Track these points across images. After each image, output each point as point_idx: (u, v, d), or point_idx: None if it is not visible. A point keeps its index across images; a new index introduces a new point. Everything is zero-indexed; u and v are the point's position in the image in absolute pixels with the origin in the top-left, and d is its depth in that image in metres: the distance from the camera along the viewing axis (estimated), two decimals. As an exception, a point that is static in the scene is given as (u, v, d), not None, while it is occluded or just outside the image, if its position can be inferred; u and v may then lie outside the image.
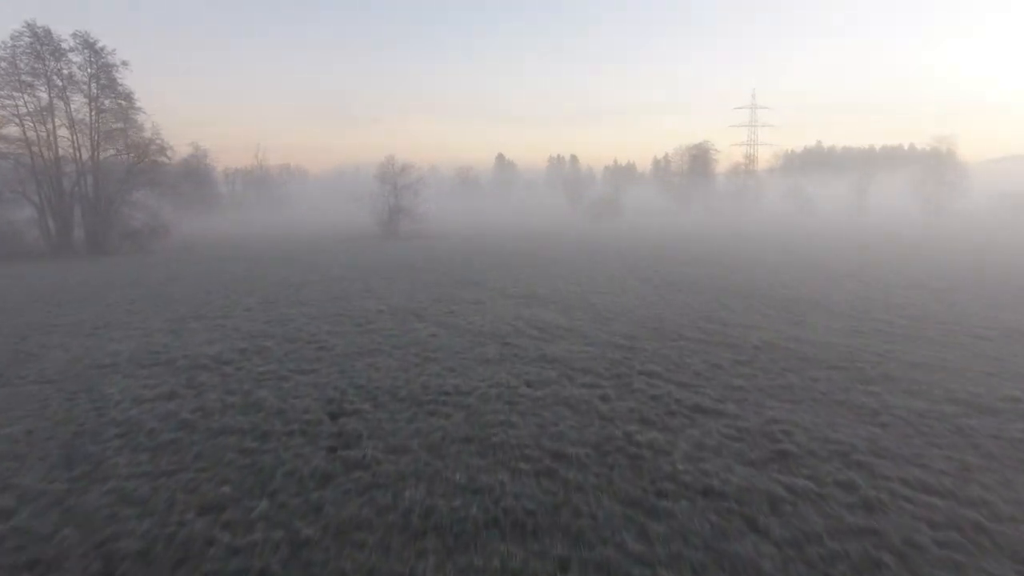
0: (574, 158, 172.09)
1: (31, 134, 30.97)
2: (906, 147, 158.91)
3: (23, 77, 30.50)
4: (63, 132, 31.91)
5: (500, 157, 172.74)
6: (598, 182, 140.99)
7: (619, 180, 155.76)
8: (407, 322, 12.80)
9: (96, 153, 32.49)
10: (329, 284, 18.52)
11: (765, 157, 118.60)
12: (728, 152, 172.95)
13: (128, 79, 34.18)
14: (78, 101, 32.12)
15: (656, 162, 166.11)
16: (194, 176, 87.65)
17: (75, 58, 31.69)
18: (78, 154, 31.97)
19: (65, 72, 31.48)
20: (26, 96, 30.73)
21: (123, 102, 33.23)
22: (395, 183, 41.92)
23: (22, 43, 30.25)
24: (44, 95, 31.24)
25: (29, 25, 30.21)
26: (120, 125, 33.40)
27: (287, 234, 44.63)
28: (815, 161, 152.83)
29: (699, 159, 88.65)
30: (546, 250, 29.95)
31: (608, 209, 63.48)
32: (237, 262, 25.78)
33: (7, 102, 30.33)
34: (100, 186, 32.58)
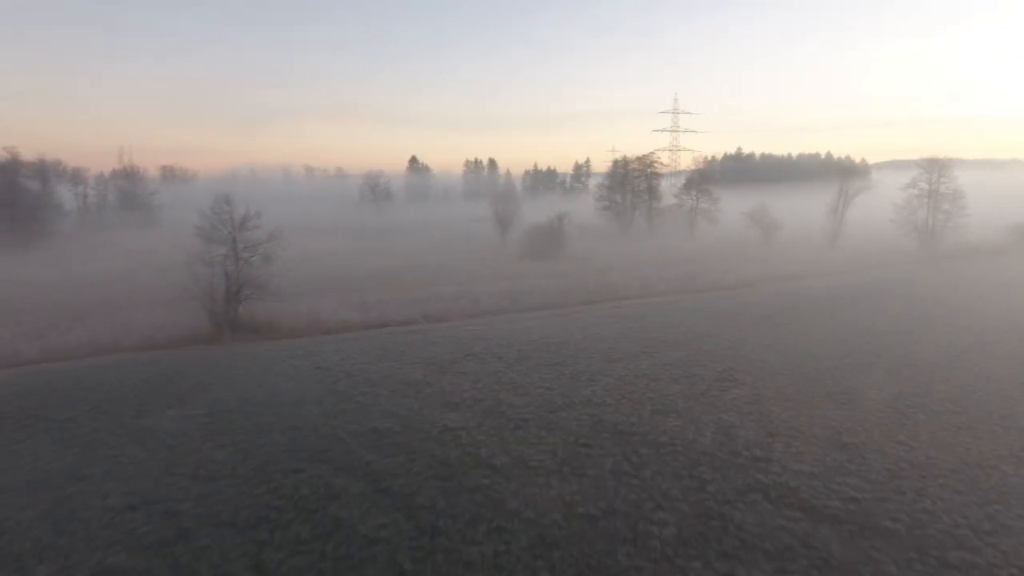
0: (492, 162, 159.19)
1: None
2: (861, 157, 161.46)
3: None
4: None
5: (413, 160, 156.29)
6: (518, 189, 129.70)
7: (538, 186, 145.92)
8: None
9: None
10: None
11: (686, 163, 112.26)
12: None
13: None
14: None
15: (577, 167, 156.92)
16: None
17: None
18: None
19: None
20: None
21: None
22: (234, 242, 25.94)
23: None
24: None
25: None
26: None
27: (62, 326, 27.15)
28: (737, 169, 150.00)
29: (633, 171, 78.39)
30: (496, 431, 16.09)
31: (550, 243, 50.79)
32: None
33: None
34: None
